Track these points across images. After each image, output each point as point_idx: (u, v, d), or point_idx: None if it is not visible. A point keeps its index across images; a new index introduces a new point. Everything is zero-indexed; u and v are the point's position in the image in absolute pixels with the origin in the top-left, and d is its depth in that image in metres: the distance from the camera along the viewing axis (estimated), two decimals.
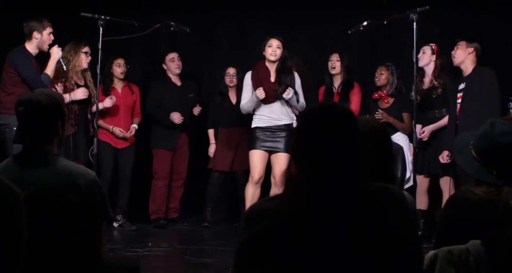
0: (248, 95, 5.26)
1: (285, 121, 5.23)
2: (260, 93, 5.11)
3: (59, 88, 5.20)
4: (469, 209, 2.06)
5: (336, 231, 1.52)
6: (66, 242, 2.30)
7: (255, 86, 5.20)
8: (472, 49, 4.95)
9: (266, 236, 1.54)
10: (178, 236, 5.80)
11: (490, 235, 1.96)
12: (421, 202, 5.24)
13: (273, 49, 5.19)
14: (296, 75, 5.31)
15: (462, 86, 4.94)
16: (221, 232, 5.90)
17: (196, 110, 6.09)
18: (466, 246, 1.96)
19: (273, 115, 5.21)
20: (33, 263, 2.15)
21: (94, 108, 5.50)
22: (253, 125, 5.28)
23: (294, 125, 5.26)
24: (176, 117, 5.96)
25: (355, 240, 1.52)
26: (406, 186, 5.36)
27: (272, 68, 5.25)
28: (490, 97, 4.78)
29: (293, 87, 5.17)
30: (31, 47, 4.96)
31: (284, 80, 5.16)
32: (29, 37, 4.96)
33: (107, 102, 5.71)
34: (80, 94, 5.34)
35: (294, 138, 1.67)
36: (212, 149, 6.19)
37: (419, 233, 5.07)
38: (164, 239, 5.45)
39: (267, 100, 5.19)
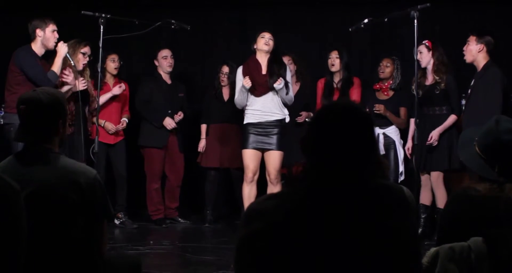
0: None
1: (277, 116, 5.16)
2: (246, 82, 5.08)
3: (67, 71, 5.11)
4: (471, 206, 2.06)
5: (335, 229, 1.54)
6: (67, 240, 2.30)
7: None
8: (482, 45, 4.81)
9: (265, 234, 1.55)
10: (179, 234, 5.80)
11: (492, 232, 1.96)
12: (425, 197, 5.28)
13: (266, 40, 5.17)
14: (287, 67, 5.29)
15: (472, 82, 4.88)
16: (222, 230, 5.90)
17: (177, 118, 6.02)
18: (467, 243, 1.96)
19: (265, 109, 5.14)
20: (34, 261, 2.15)
21: (93, 106, 5.48)
22: (245, 121, 5.23)
23: (287, 120, 5.24)
24: (169, 124, 5.95)
25: (354, 238, 1.53)
26: (399, 180, 5.45)
27: (263, 61, 5.20)
28: (491, 96, 4.70)
29: (284, 78, 5.14)
30: (36, 46, 4.94)
31: (276, 71, 5.13)
32: (33, 36, 4.94)
33: (116, 90, 5.77)
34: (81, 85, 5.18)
35: (307, 132, 1.68)
36: (201, 144, 6.16)
37: (420, 229, 5.10)
38: (165, 237, 5.45)
39: (258, 93, 5.15)
